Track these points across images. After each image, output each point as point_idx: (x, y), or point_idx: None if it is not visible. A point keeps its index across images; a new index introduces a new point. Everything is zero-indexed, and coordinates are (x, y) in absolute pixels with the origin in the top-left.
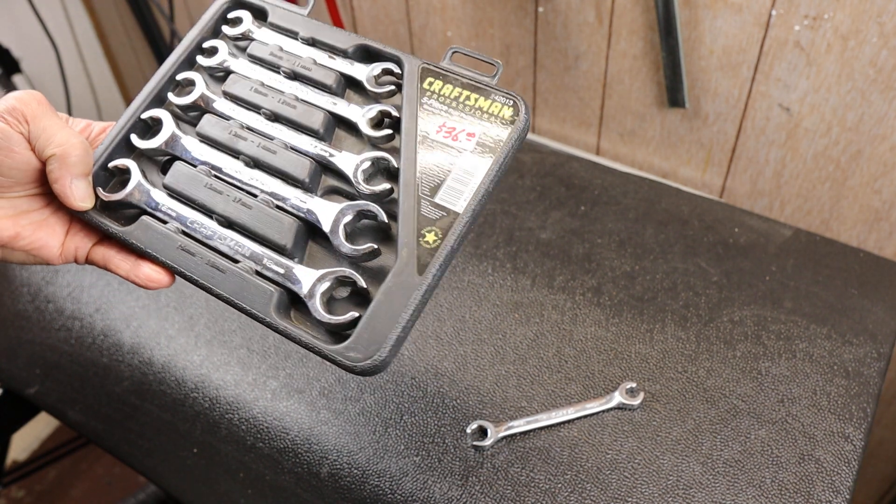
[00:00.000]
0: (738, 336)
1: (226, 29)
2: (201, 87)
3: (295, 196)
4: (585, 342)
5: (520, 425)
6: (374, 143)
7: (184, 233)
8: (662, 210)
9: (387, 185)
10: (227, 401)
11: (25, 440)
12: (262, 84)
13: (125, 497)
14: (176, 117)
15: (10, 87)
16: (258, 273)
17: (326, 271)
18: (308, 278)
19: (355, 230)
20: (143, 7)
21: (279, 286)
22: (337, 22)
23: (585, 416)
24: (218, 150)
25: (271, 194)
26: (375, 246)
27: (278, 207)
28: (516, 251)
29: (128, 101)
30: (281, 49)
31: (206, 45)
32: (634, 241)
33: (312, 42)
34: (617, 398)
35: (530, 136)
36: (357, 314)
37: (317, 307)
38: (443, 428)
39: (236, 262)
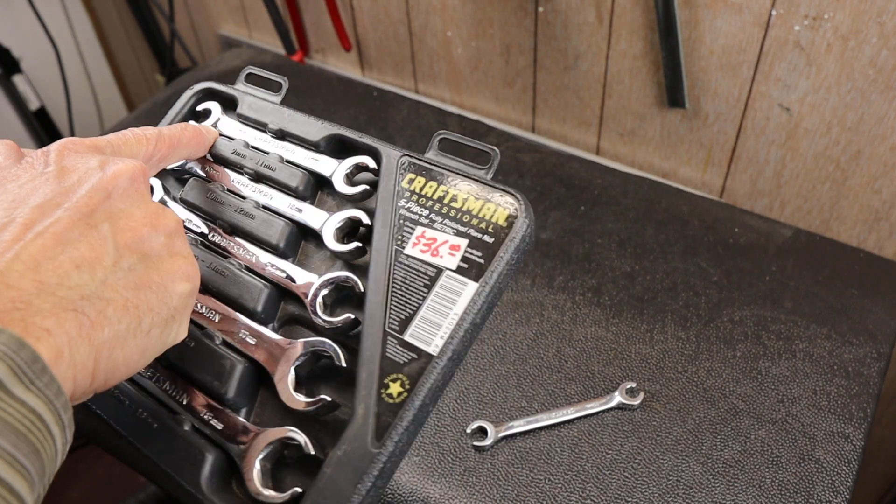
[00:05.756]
0: (738, 336)
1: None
2: (158, 192)
3: (245, 328)
4: (585, 342)
5: (520, 425)
6: (342, 259)
7: None
8: (662, 210)
9: (350, 316)
10: None
11: None
12: (222, 189)
13: (125, 497)
14: None
15: (11, 87)
16: (194, 428)
17: (267, 433)
18: (248, 442)
19: (314, 372)
20: (143, 7)
21: (216, 446)
22: (337, 22)
23: (585, 416)
24: None
25: (218, 323)
26: (329, 399)
27: (225, 343)
28: None
29: (128, 101)
30: (246, 145)
31: None
32: (634, 241)
33: (282, 135)
34: (617, 398)
35: (530, 137)
36: (301, 490)
37: (253, 479)
38: (443, 428)
39: (172, 411)
